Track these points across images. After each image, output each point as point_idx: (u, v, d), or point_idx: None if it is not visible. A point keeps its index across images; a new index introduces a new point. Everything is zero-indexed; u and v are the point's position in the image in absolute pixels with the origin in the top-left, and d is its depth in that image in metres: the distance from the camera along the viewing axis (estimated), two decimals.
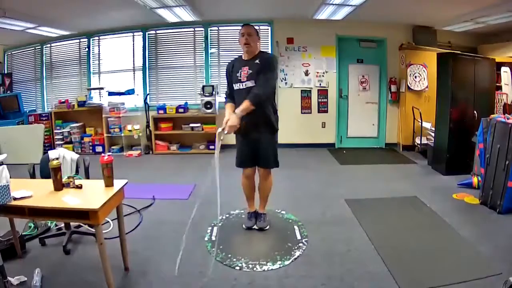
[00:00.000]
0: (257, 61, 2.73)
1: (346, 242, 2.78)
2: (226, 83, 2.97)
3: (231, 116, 2.54)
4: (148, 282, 2.28)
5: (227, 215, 3.34)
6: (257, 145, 2.82)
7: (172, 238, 2.88)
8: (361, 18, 5.47)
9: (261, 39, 2.93)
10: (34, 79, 6.84)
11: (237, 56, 2.95)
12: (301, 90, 6.23)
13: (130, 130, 6.06)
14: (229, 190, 3.95)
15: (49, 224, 3.02)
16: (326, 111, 6.33)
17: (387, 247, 2.69)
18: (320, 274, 2.33)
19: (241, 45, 2.77)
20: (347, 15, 5.26)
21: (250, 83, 2.70)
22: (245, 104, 2.53)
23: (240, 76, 2.74)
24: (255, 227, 3.05)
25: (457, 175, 4.37)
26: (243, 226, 3.09)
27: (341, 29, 6.01)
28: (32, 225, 2.94)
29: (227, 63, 2.97)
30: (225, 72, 2.97)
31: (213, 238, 2.88)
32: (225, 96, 2.98)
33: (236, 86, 2.77)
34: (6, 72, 6.86)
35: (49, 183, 2.20)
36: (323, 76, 6.20)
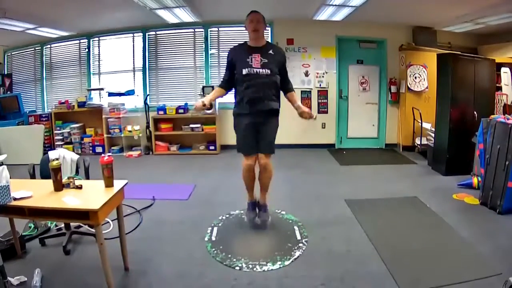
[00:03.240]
0: (270, 51, 2.86)
1: (346, 242, 2.78)
2: (226, 69, 2.94)
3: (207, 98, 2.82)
4: (148, 282, 2.27)
5: (227, 215, 3.34)
6: (261, 130, 2.86)
7: (172, 239, 2.88)
8: (361, 18, 5.48)
9: (265, 22, 2.96)
10: (34, 79, 6.85)
11: (240, 43, 2.94)
12: (301, 91, 6.24)
13: (130, 131, 6.06)
14: (229, 190, 3.98)
15: (49, 225, 3.02)
16: (326, 112, 6.33)
17: (387, 247, 2.68)
18: (320, 274, 2.33)
19: (249, 32, 2.84)
20: (347, 16, 5.27)
21: (264, 72, 2.77)
22: (298, 99, 3.12)
23: (252, 62, 2.77)
24: (257, 220, 3.04)
25: (457, 175, 4.37)
26: (244, 219, 3.08)
27: (341, 30, 6.02)
28: (32, 226, 2.94)
29: (230, 50, 2.94)
30: (227, 58, 2.92)
31: (213, 238, 2.88)
32: (220, 82, 3.00)
33: (246, 71, 2.77)
34: (6, 73, 6.87)
35: (49, 183, 2.20)
36: (323, 76, 6.21)
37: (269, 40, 6.07)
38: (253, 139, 2.87)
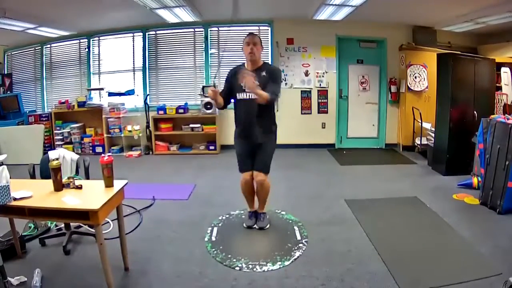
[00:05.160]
0: (263, 73, 2.78)
1: (346, 242, 2.78)
2: (224, 85, 2.94)
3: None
4: (148, 282, 2.28)
5: (227, 215, 3.34)
6: (257, 151, 2.86)
7: (172, 238, 2.88)
8: (361, 18, 5.47)
9: (262, 44, 2.93)
10: (34, 79, 6.84)
11: (239, 64, 2.95)
12: (301, 91, 6.24)
13: (130, 131, 6.06)
14: (229, 190, 3.98)
15: (49, 225, 3.03)
16: (326, 112, 6.33)
17: (387, 247, 2.69)
18: (320, 274, 2.33)
19: (246, 54, 2.80)
20: (347, 16, 5.27)
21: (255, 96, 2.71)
22: (263, 92, 2.58)
23: (245, 86, 2.72)
24: (255, 226, 3.06)
25: (457, 175, 4.37)
26: (244, 225, 3.10)
27: (341, 30, 6.01)
28: (32, 226, 2.95)
29: (230, 70, 2.93)
30: (225, 77, 2.95)
31: (213, 238, 2.88)
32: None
33: (240, 96, 2.78)
34: (6, 73, 6.86)
35: (49, 183, 2.20)
36: (323, 76, 6.21)
37: (269, 40, 6.08)
38: (248, 158, 2.91)
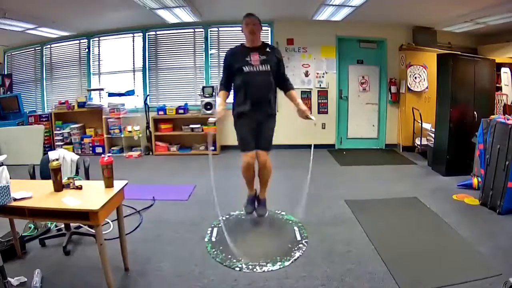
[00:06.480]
0: (267, 49, 3.00)
1: (346, 243, 2.78)
2: (224, 71, 3.03)
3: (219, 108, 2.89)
4: (148, 282, 2.27)
5: (227, 216, 3.34)
6: (261, 127, 2.97)
7: (172, 239, 2.88)
8: (361, 18, 5.48)
9: (261, 24, 3.07)
10: (34, 80, 6.84)
11: (236, 45, 3.07)
12: (301, 91, 6.23)
13: (130, 131, 6.06)
14: (228, 191, 3.98)
15: (49, 225, 3.03)
16: (326, 112, 6.33)
17: (387, 247, 2.68)
18: (320, 275, 2.33)
19: (246, 34, 2.95)
20: (347, 16, 5.27)
21: (264, 68, 2.90)
22: (298, 97, 3.17)
23: (251, 60, 2.88)
24: (254, 214, 3.11)
25: (457, 176, 4.37)
26: (243, 211, 3.16)
27: (341, 30, 6.02)
28: (32, 226, 2.94)
29: (226, 55, 3.04)
30: (224, 61, 3.04)
31: (213, 239, 2.88)
32: (220, 83, 3.09)
33: (247, 69, 2.89)
34: (6, 73, 6.86)
35: (49, 184, 2.20)
36: (323, 77, 6.21)
37: (269, 41, 6.08)
38: (252, 137, 2.96)
